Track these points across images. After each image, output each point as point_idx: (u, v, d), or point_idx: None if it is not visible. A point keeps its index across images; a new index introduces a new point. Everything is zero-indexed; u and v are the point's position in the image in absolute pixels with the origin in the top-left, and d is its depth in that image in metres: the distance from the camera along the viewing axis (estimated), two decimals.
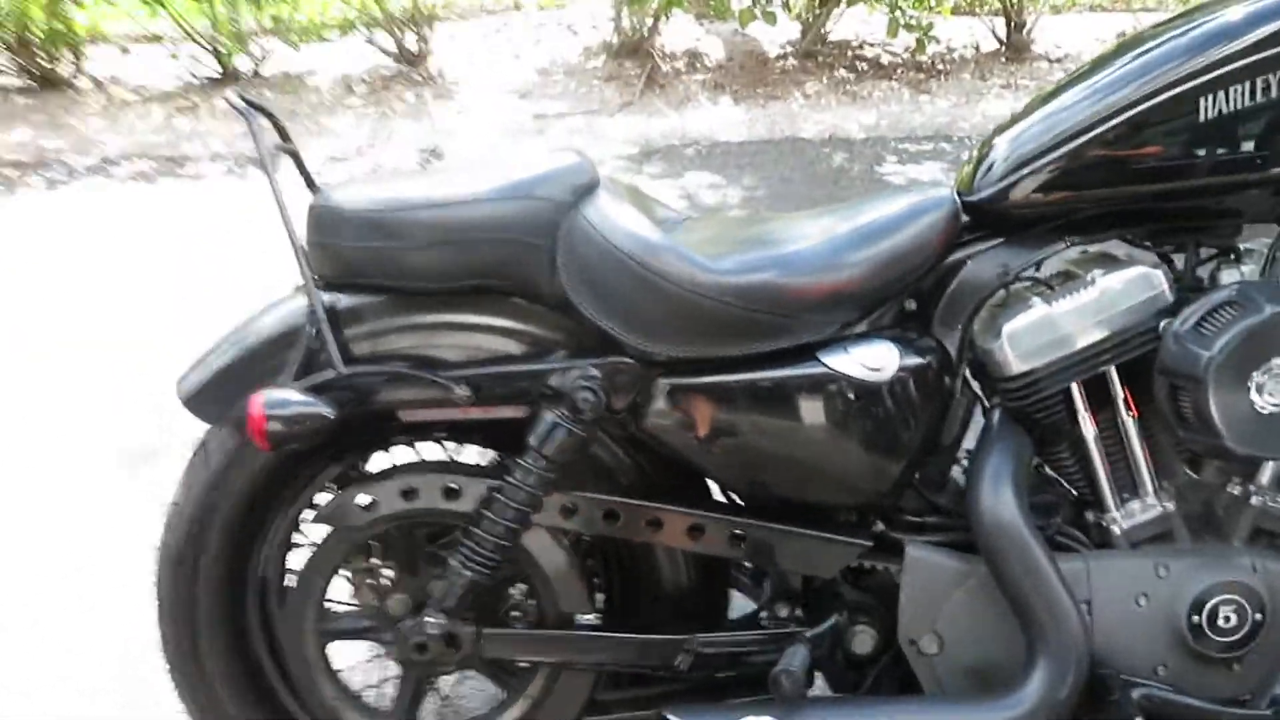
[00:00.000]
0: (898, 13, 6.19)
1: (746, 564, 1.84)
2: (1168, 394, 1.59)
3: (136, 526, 2.07)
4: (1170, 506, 1.69)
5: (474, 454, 1.84)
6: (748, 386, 1.63)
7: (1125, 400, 1.67)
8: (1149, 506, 1.69)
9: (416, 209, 1.64)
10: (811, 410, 1.64)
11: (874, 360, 1.63)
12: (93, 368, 3.39)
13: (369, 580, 1.76)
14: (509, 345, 1.66)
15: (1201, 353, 1.52)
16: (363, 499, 1.69)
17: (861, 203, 1.72)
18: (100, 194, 4.96)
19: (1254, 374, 1.52)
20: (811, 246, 1.65)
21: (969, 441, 1.75)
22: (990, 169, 1.68)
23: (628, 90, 5.99)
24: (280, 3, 6.15)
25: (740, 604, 1.90)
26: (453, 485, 1.68)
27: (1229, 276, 1.66)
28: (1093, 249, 1.73)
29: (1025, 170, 1.64)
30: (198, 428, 1.73)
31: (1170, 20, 1.72)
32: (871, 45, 6.88)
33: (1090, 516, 1.72)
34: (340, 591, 1.81)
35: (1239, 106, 1.56)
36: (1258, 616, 1.63)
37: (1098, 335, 1.63)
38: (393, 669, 1.86)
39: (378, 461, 1.81)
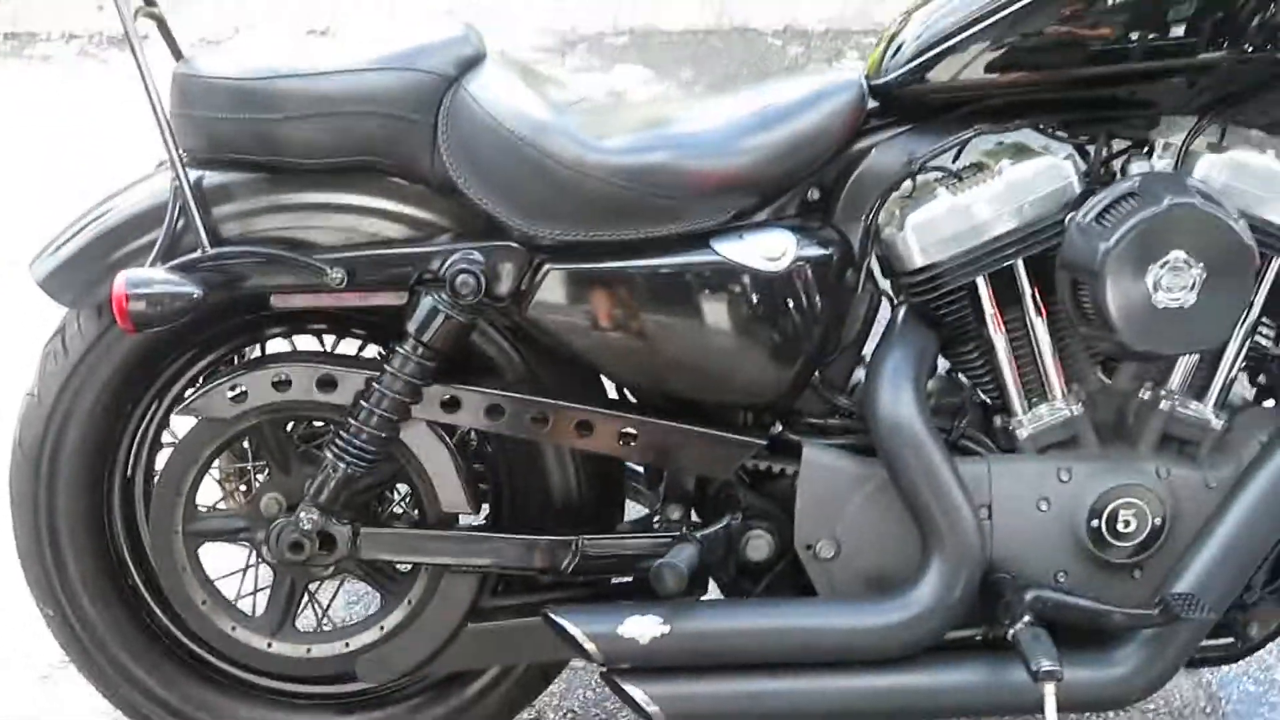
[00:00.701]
0: None
1: (640, 467, 1.97)
2: (1069, 288, 1.72)
3: None
4: (1078, 411, 1.81)
5: (353, 349, 1.95)
6: (637, 273, 1.74)
7: (1035, 299, 1.78)
8: (1056, 411, 1.81)
9: (289, 78, 1.74)
10: (703, 300, 1.75)
11: (770, 249, 1.73)
12: None
13: (241, 480, 1.89)
14: (387, 227, 1.77)
15: (1099, 245, 1.64)
16: (231, 389, 1.77)
17: (764, 85, 1.85)
18: (12, 74, 5.03)
19: (1151, 267, 1.64)
20: (708, 129, 1.77)
21: (875, 341, 1.86)
22: (899, 50, 1.79)
23: None
24: None
25: (636, 513, 2.04)
26: (327, 375, 1.78)
27: (1140, 169, 1.76)
28: (1004, 138, 1.83)
29: (934, 51, 1.75)
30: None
31: None
32: None
33: (997, 420, 1.85)
34: (210, 494, 1.92)
35: None
36: (1158, 522, 1.78)
37: (1003, 227, 1.74)
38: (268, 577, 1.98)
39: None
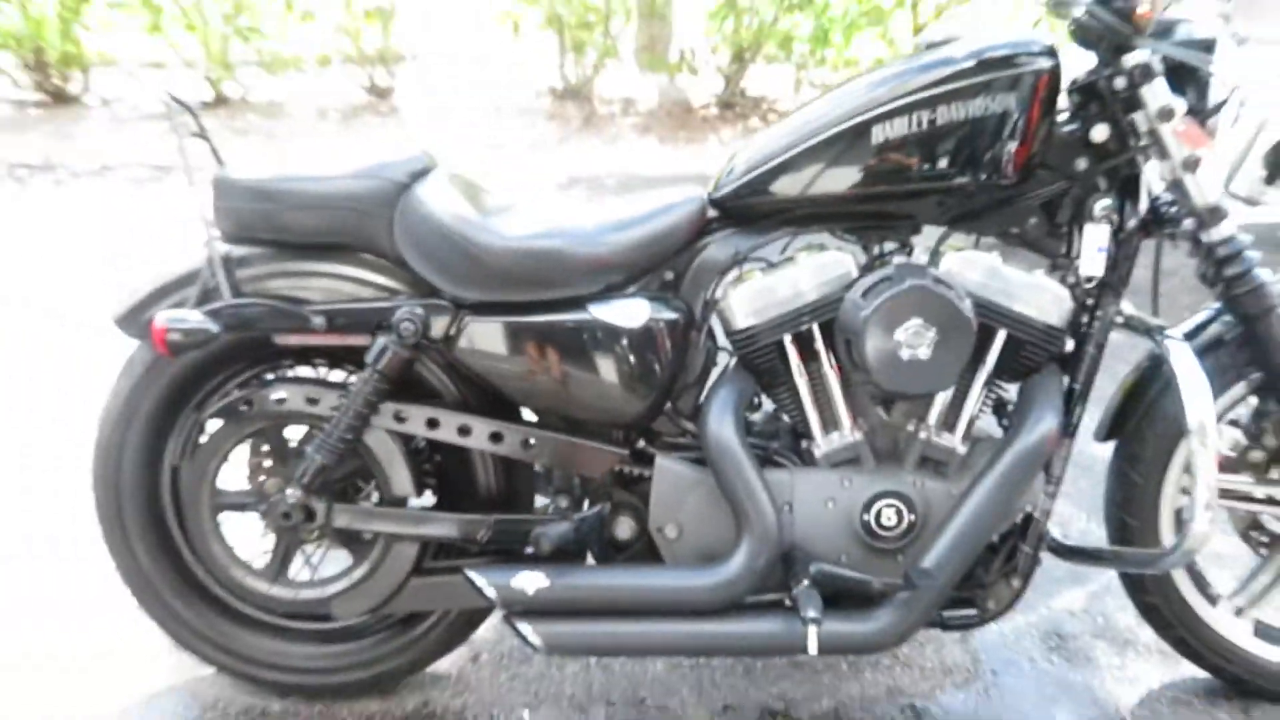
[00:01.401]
0: (802, 73, 6.54)
1: (538, 466, 2.05)
2: (845, 345, 1.83)
3: None
4: (859, 438, 1.91)
5: (340, 376, 2.05)
6: (532, 326, 1.86)
7: (828, 354, 1.88)
8: (844, 437, 1.91)
9: (292, 181, 1.90)
10: (579, 346, 1.86)
11: (629, 312, 1.86)
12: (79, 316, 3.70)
13: (252, 467, 2.00)
14: (357, 289, 1.91)
15: (861, 313, 1.75)
16: (245, 403, 1.92)
17: (632, 197, 1.97)
18: (96, 193, 5.14)
19: (897, 330, 1.75)
20: (587, 226, 1.90)
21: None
22: (731, 174, 1.93)
23: (566, 128, 6.27)
24: (265, 37, 6.38)
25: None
26: (312, 394, 1.92)
27: (899, 262, 1.86)
28: (809, 239, 1.92)
29: (751, 176, 1.88)
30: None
31: (857, 75, 1.97)
32: (782, 100, 7.11)
33: (802, 443, 1.95)
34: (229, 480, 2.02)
35: (904, 134, 1.79)
36: (913, 519, 1.89)
37: (802, 301, 1.85)
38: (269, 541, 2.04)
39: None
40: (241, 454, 2.02)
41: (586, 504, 2.02)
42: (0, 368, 3.52)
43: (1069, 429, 1.92)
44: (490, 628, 2.26)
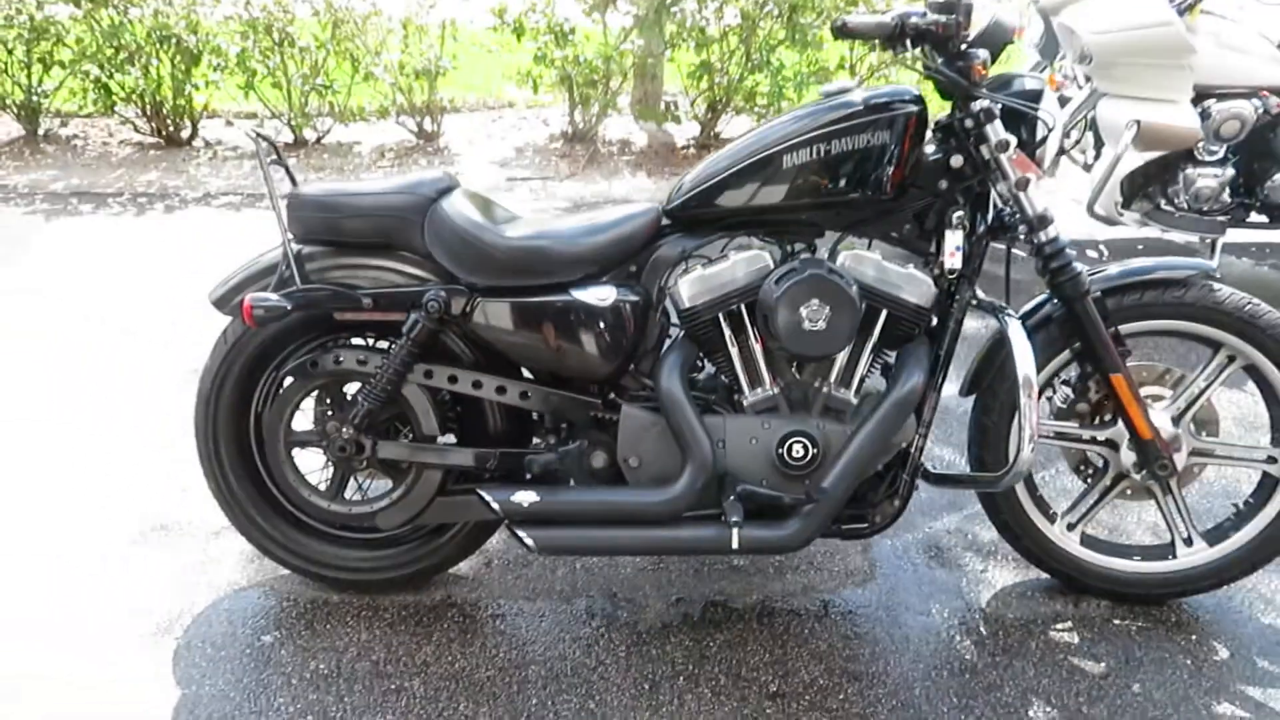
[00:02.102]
0: (763, 120, 6.58)
1: (534, 412, 2.10)
2: (763, 320, 1.92)
3: None
4: (776, 392, 1.98)
5: (384, 344, 2.10)
6: (528, 305, 1.94)
7: (754, 328, 1.94)
8: (765, 391, 1.98)
9: (348, 195, 2.00)
10: (564, 321, 1.93)
11: (600, 295, 1.94)
12: (177, 327, 3.77)
13: (316, 413, 2.10)
14: (396, 277, 1.99)
15: (775, 295, 1.87)
16: (312, 364, 2.01)
17: (606, 208, 2.05)
18: (202, 218, 5.23)
19: (800, 307, 1.85)
20: (568, 231, 1.99)
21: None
22: (680, 190, 2.01)
23: (574, 165, 6.35)
24: (336, 93, 6.52)
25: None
26: (361, 358, 2.02)
27: (805, 257, 1.95)
28: (737, 240, 1.99)
29: (695, 192, 1.96)
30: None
31: (779, 115, 2.06)
32: None
33: (734, 395, 2.03)
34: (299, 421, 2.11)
35: (808, 160, 1.87)
36: (815, 451, 1.96)
37: (731, 287, 1.92)
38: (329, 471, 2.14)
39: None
40: (309, 403, 2.09)
41: (570, 441, 2.07)
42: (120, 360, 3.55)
43: (935, 384, 2.01)
44: (498, 539, 2.32)
